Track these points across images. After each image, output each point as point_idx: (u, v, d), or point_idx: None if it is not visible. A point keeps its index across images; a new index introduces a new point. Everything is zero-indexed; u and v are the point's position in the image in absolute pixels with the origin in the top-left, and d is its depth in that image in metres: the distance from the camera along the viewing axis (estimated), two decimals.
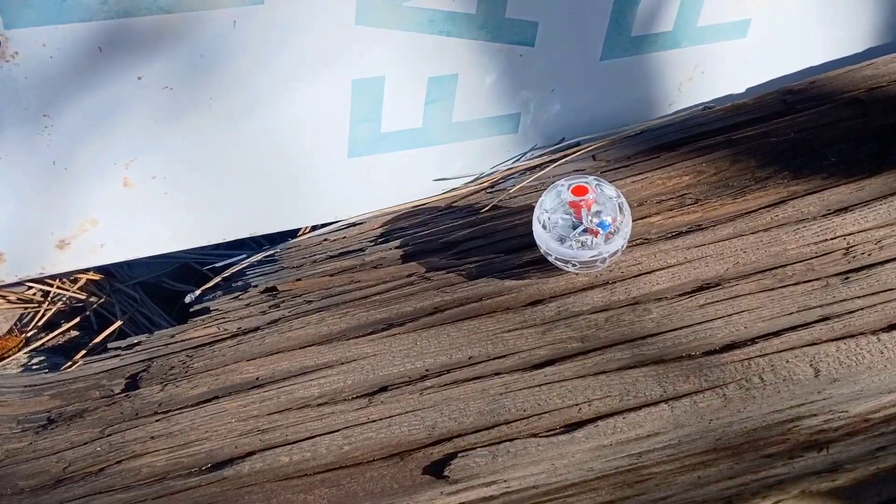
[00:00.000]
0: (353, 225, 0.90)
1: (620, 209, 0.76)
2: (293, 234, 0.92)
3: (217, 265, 0.96)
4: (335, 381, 0.75)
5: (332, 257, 0.86)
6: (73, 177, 0.74)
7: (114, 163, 0.76)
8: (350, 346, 0.77)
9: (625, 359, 0.71)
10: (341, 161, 0.86)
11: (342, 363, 0.75)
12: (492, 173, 0.91)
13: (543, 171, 0.88)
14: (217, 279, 0.93)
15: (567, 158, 0.89)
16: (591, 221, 0.75)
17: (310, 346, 0.78)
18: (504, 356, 0.73)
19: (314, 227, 0.90)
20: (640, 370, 0.70)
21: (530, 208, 0.81)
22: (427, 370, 0.73)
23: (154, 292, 1.12)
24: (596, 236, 0.75)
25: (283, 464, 0.69)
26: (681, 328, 0.73)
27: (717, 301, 0.74)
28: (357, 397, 0.73)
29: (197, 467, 0.70)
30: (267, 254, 0.89)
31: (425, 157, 0.88)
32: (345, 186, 0.87)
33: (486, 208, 0.86)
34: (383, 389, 0.73)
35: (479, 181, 0.91)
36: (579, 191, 0.77)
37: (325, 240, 0.88)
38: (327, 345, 0.77)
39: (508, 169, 0.90)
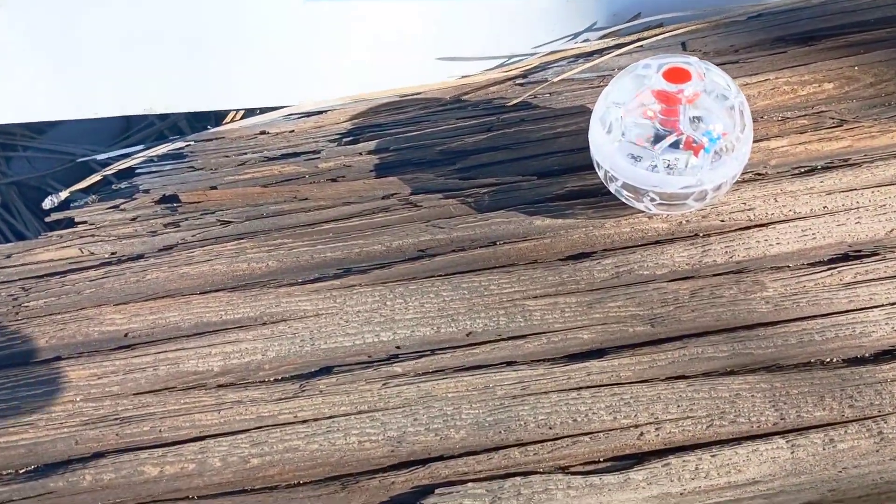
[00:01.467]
0: (308, 115, 0.78)
1: (741, 114, 0.60)
2: (216, 119, 0.84)
3: (98, 158, 0.81)
4: (249, 352, 0.62)
5: (269, 159, 0.74)
6: None
7: None
8: (280, 297, 0.64)
9: (720, 358, 0.59)
10: (293, 8, 0.72)
11: (264, 323, 0.63)
12: (526, 56, 0.79)
13: (603, 59, 0.76)
14: (96, 176, 0.78)
15: (641, 43, 0.77)
16: (690, 129, 0.59)
17: (217, 290, 0.65)
18: (524, 336, 0.61)
19: (248, 113, 0.80)
20: (743, 379, 0.58)
21: (581, 111, 0.71)
22: (399, 347, 0.61)
23: (37, 198, 0.96)
24: (696, 154, 0.59)
25: (150, 477, 0.57)
26: (812, 318, 0.60)
27: (873, 280, 0.61)
28: (282, 380, 0.61)
29: (11, 469, 0.58)
30: (172, 147, 0.77)
31: (427, 16, 0.76)
32: (297, 52, 0.75)
33: (512, 104, 0.74)
34: (325, 371, 0.60)
35: (505, 66, 0.79)
36: (677, 76, 0.59)
37: (263, 132, 0.76)
38: (244, 292, 0.64)
39: (553, 53, 0.78)
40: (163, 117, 0.94)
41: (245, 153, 0.74)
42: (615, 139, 0.60)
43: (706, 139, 0.58)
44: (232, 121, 0.79)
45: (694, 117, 0.59)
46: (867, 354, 0.58)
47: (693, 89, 0.58)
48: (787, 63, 0.73)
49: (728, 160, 0.59)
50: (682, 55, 0.62)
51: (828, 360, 0.58)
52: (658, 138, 0.59)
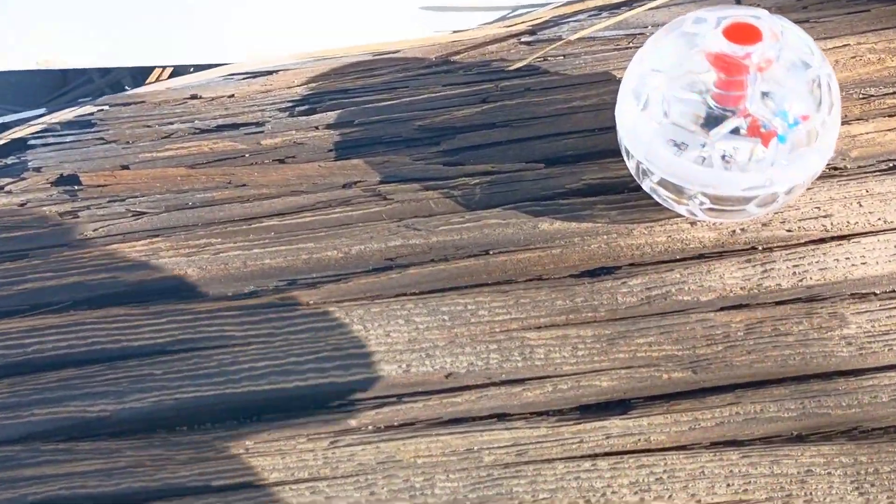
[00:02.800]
0: (253, 75, 0.70)
1: (828, 90, 0.49)
2: (138, 77, 0.74)
3: None
4: (154, 391, 0.53)
5: (200, 132, 0.66)
6: None
7: None
8: (199, 317, 0.56)
9: (785, 419, 0.51)
10: None
11: (175, 353, 0.55)
12: (535, 7, 0.73)
13: (632, 13, 0.68)
14: None
15: None
16: (759, 108, 0.48)
17: (116, 306, 0.56)
18: (522, 381, 0.53)
19: (176, 72, 0.72)
20: (816, 449, 0.50)
21: (604, 79, 0.65)
22: (354, 390, 0.53)
23: None
24: (765, 144, 0.48)
25: None
26: None
27: None
28: (195, 431, 0.52)
29: None
30: (79, 112, 0.68)
31: None
32: None
33: (515, 68, 0.67)
34: (253, 420, 0.52)
35: (508, 19, 0.72)
36: (742, 34, 0.48)
37: (195, 97, 0.68)
38: (151, 309, 0.56)
39: (568, 3, 0.71)
40: (104, 73, 0.85)
41: (171, 122, 0.65)
42: (654, 119, 0.49)
43: (780, 123, 0.46)
44: (157, 80, 0.69)
45: (762, 93, 0.47)
46: None
47: (764, 54, 0.46)
48: (871, 24, 0.64)
49: (808, 154, 0.48)
50: (744, 7, 0.50)
51: None
52: (711, 120, 0.48)
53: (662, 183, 0.50)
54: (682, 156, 0.49)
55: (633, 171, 0.53)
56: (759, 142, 0.48)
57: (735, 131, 0.49)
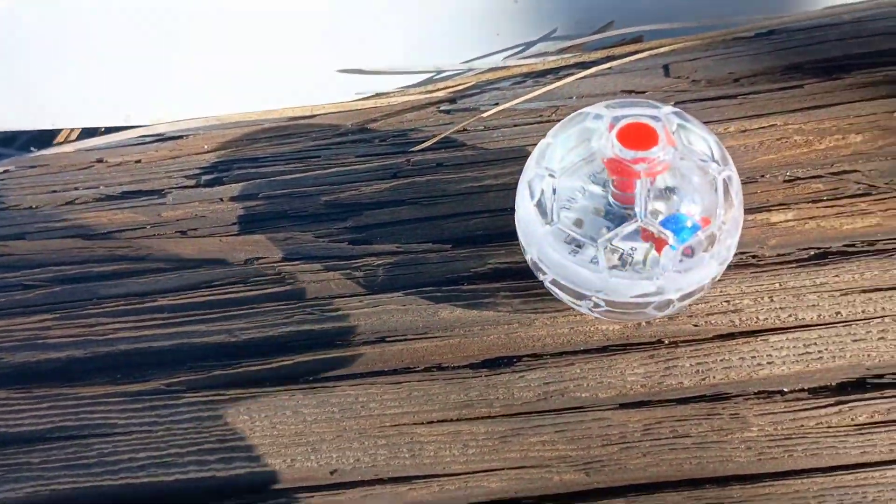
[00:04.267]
0: (159, 139, 0.69)
1: (726, 191, 0.49)
2: (44, 139, 0.73)
3: None
4: (30, 480, 0.52)
5: (104, 198, 0.65)
6: None
7: None
8: (81, 403, 0.55)
9: None
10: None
11: (56, 439, 0.54)
12: (454, 74, 0.72)
13: (558, 85, 0.68)
14: None
15: (611, 64, 0.69)
16: (651, 214, 0.49)
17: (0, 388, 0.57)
18: (409, 479, 0.52)
19: (85, 133, 0.71)
20: None
21: (520, 155, 0.63)
22: (234, 486, 0.52)
23: None
24: (658, 250, 0.48)
25: None
26: (808, 473, 0.51)
27: None
28: None
29: None
30: None
31: (328, 11, 0.69)
32: (152, 53, 0.67)
33: (427, 144, 0.65)
34: None
35: (425, 86, 0.72)
36: (636, 137, 0.48)
37: (100, 160, 0.68)
38: (32, 392, 0.55)
39: (491, 70, 0.71)
40: None
41: (75, 188, 0.64)
42: (548, 215, 0.48)
43: (671, 232, 0.46)
44: (63, 140, 0.69)
45: (666, 189, 0.48)
46: None
47: (661, 153, 0.46)
48: (802, 103, 0.63)
49: (704, 260, 0.47)
50: (648, 104, 0.50)
51: None
52: (611, 217, 0.48)
53: (555, 283, 0.50)
54: (578, 255, 0.48)
55: (531, 265, 0.52)
56: (654, 247, 0.47)
57: (635, 234, 0.48)
